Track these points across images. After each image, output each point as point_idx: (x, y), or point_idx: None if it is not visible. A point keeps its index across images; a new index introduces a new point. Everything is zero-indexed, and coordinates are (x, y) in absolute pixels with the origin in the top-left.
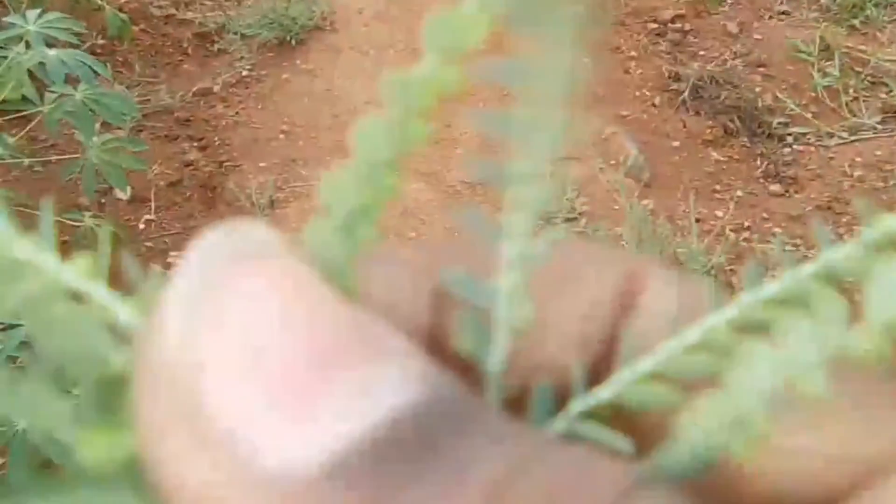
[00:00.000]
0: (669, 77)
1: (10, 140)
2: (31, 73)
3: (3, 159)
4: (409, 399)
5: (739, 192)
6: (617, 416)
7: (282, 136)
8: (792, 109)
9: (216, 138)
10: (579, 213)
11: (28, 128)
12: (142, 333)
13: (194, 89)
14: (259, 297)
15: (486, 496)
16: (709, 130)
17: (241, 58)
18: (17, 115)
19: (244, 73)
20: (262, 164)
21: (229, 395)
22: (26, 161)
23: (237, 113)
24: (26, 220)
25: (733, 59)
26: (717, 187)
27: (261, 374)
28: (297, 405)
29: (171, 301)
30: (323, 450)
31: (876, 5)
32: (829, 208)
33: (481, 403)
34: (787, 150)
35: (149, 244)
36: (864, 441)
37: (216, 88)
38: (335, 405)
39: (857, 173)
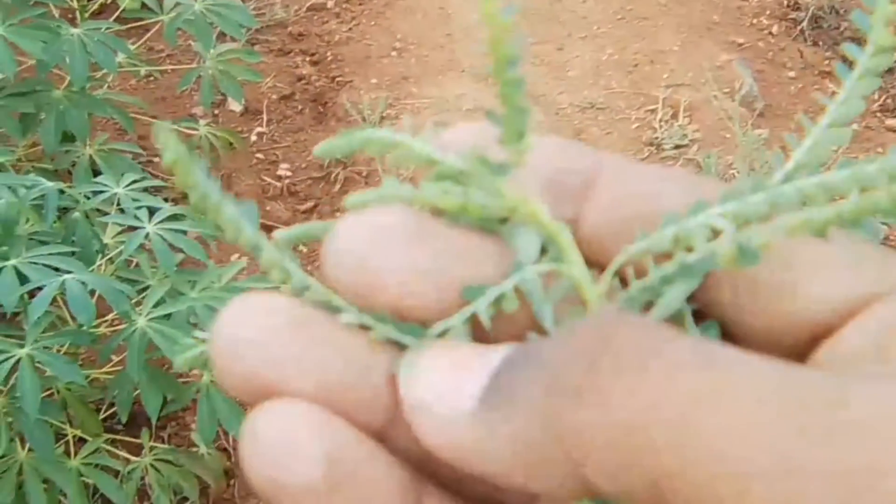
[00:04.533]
0: (788, 5)
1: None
2: None
3: (123, 67)
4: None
5: (854, 126)
6: None
7: (394, 52)
8: None
9: (328, 53)
10: (691, 140)
11: (146, 37)
12: None
13: (308, 4)
14: None
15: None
16: (826, 62)
17: None
18: (135, 24)
19: None
20: (373, 81)
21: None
22: (143, 70)
23: (350, 29)
24: (143, 128)
25: None
26: None
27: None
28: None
29: None
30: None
31: None
32: None
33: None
34: None
35: (259, 156)
36: (848, 283)
37: (330, 4)
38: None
39: None
